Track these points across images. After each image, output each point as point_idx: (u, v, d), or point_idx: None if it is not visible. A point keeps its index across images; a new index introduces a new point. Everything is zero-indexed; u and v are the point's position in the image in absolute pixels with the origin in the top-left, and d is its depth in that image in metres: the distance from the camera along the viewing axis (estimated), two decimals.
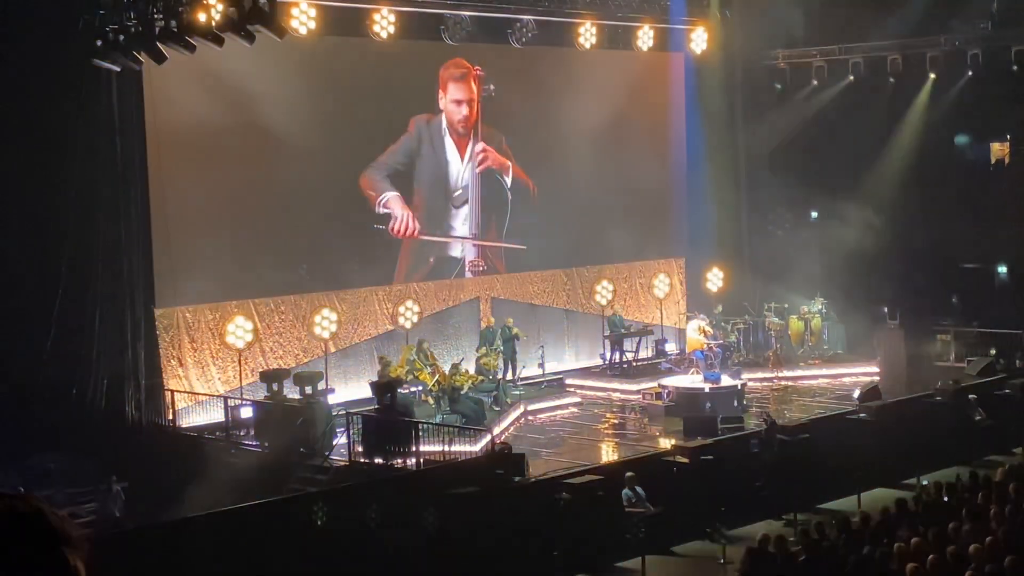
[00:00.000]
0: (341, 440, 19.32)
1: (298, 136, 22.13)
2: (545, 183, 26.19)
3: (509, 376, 23.69)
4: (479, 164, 25.44)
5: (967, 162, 29.88)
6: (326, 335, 22.57)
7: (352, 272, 23.33)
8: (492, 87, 25.30)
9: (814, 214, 29.90)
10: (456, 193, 25.29)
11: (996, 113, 27.83)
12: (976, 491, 14.74)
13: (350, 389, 22.57)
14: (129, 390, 20.35)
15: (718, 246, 28.58)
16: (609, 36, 26.21)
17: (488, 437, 18.89)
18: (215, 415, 20.80)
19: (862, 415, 20.31)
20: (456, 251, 25.43)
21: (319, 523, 14.91)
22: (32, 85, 19.32)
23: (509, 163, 25.84)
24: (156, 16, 18.57)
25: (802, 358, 26.43)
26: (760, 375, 25.25)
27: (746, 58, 28.75)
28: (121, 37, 18.99)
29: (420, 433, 18.51)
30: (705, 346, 24.34)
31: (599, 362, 26.02)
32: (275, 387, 19.91)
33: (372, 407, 19.80)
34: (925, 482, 17.48)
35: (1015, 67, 26.09)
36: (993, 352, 24.69)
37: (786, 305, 26.90)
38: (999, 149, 29.75)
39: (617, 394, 24.49)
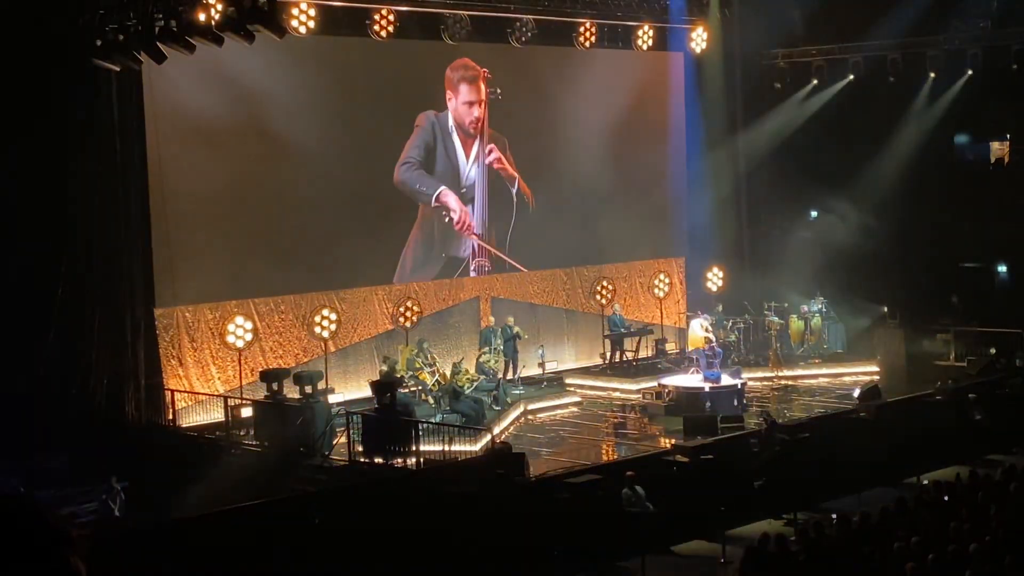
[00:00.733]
0: (341, 440, 19.32)
1: (298, 136, 22.15)
2: (544, 183, 26.19)
3: (509, 375, 23.70)
4: (490, 163, 25.45)
5: (967, 161, 29.89)
6: (326, 335, 22.58)
7: (353, 272, 23.34)
8: (499, 89, 25.33)
9: (814, 213, 29.90)
10: (462, 191, 25.31)
11: (996, 112, 27.83)
12: (976, 490, 14.75)
13: (350, 389, 22.59)
14: (129, 390, 20.36)
15: (718, 246, 28.61)
16: (609, 36, 26.20)
17: (488, 437, 18.90)
18: (215, 415, 20.81)
19: (862, 414, 20.32)
20: (461, 251, 25.43)
21: (318, 522, 14.91)
22: (32, 85, 19.32)
23: (516, 175, 25.86)
24: (156, 16, 18.56)
25: (802, 357, 26.44)
26: (760, 374, 25.26)
27: (746, 57, 28.77)
28: (121, 37, 18.98)
29: (420, 433, 18.51)
30: (706, 345, 24.32)
31: (599, 361, 26.04)
32: (275, 387, 19.90)
33: (372, 407, 19.80)
34: (925, 481, 17.51)
35: (1015, 66, 26.09)
36: (993, 351, 24.69)
37: (786, 304, 26.91)
38: (999, 148, 29.77)
39: (617, 393, 24.51)
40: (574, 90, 26.27)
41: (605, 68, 26.78)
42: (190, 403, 21.14)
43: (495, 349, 23.42)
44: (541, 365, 24.99)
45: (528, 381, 24.30)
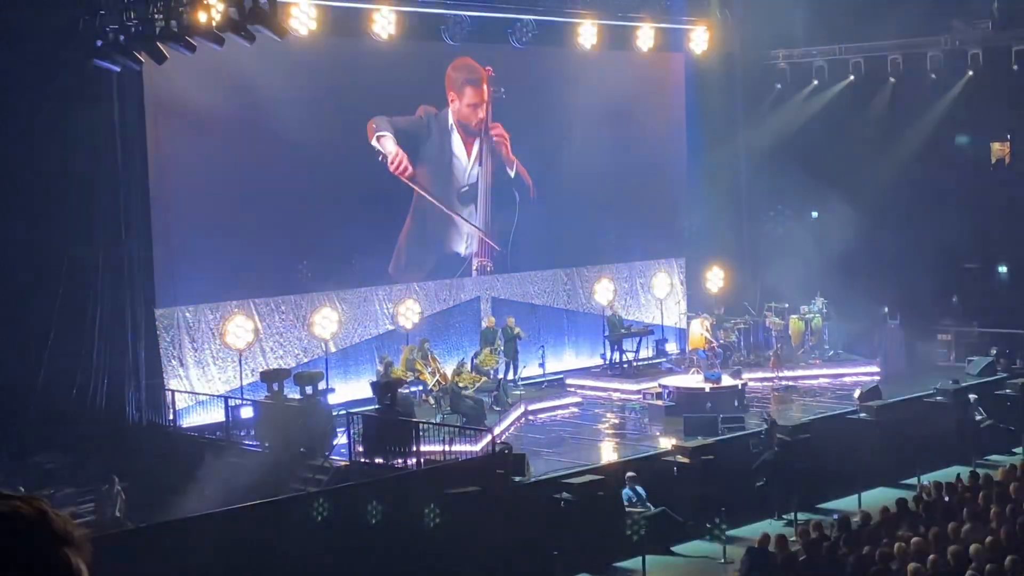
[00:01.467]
0: (341, 440, 19.31)
1: (299, 136, 22.12)
2: (545, 183, 26.17)
3: (510, 376, 23.70)
4: (492, 152, 25.40)
5: (968, 162, 29.88)
6: (326, 335, 22.57)
7: (352, 272, 23.33)
8: (503, 89, 25.32)
9: (814, 214, 29.88)
10: (463, 189, 25.28)
11: (996, 113, 27.83)
12: (977, 491, 14.75)
13: (350, 389, 22.56)
14: (130, 390, 20.35)
15: (718, 246, 28.57)
16: (609, 36, 26.20)
17: (489, 437, 18.88)
18: (215, 415, 20.80)
19: (863, 415, 20.34)
20: (461, 249, 25.41)
21: (319, 522, 14.92)
22: (33, 86, 19.32)
23: (515, 160, 25.83)
24: (156, 16, 18.56)
25: (803, 358, 26.41)
26: (761, 375, 25.23)
27: (746, 58, 28.76)
28: (122, 37, 18.99)
29: (421, 433, 18.51)
30: (706, 345, 24.33)
31: (599, 362, 26.03)
32: (275, 387, 19.90)
33: (373, 407, 19.79)
34: (925, 482, 17.49)
35: (1015, 67, 26.09)
36: (993, 352, 24.70)
37: (787, 305, 26.88)
38: (999, 149, 29.74)
39: (617, 394, 24.50)
40: (574, 91, 26.24)
41: (605, 69, 26.76)
42: (190, 403, 21.14)
43: (495, 349, 23.41)
44: (541, 366, 24.98)
45: (528, 381, 24.29)
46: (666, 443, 19.94)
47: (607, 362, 25.82)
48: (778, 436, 18.43)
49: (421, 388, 21.88)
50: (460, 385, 21.21)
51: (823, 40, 28.46)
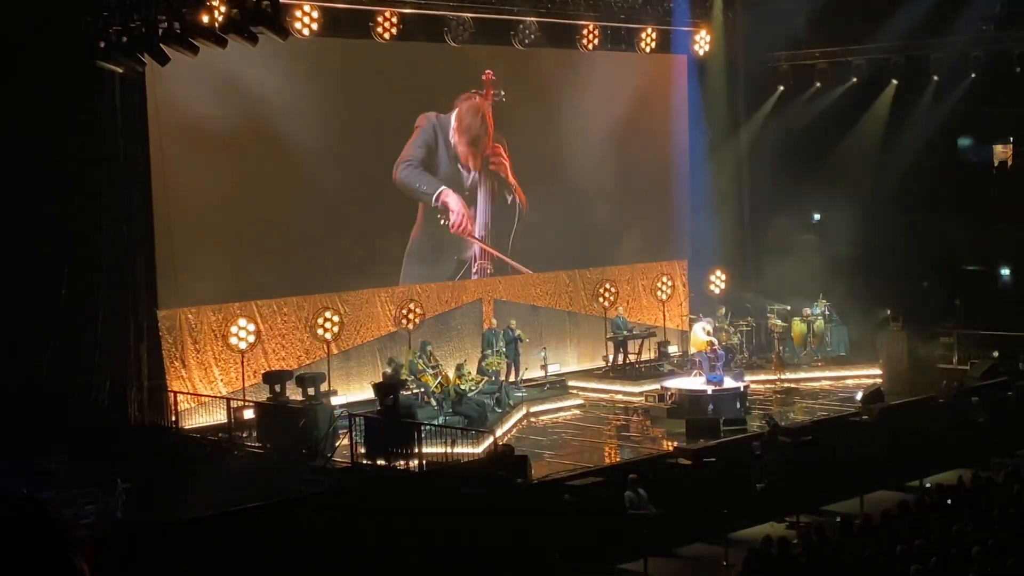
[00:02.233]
0: (343, 442, 19.31)
1: (301, 137, 22.14)
2: (547, 185, 26.13)
3: (512, 378, 23.70)
4: (491, 164, 25.44)
5: (970, 164, 29.87)
6: (328, 337, 22.58)
7: (355, 273, 23.34)
8: (502, 92, 25.32)
9: (817, 216, 29.89)
10: (465, 194, 25.30)
11: (999, 115, 27.84)
12: (979, 493, 14.74)
13: (353, 391, 22.59)
14: (132, 391, 20.36)
15: (721, 248, 28.58)
16: (612, 38, 26.22)
17: (491, 439, 18.88)
18: (218, 416, 20.80)
19: (865, 417, 20.30)
20: (464, 252, 25.41)
21: (321, 524, 14.91)
22: (35, 87, 19.33)
23: (514, 183, 25.83)
24: (159, 18, 18.57)
25: (805, 360, 26.41)
26: (763, 377, 25.25)
27: (749, 60, 28.75)
28: (124, 39, 19.00)
29: (423, 435, 18.51)
30: (708, 348, 24.31)
31: (602, 364, 26.03)
32: (277, 388, 19.91)
33: (375, 409, 19.79)
34: (928, 484, 17.48)
35: (1018, 69, 26.09)
36: (996, 354, 24.68)
37: (789, 307, 26.88)
38: (1002, 151, 29.74)
39: (620, 396, 24.49)
40: (577, 93, 26.25)
41: (608, 71, 26.77)
42: (193, 405, 21.14)
43: (497, 351, 23.41)
44: (543, 368, 24.98)
45: (530, 384, 24.29)
46: (668, 445, 19.93)
47: (609, 364, 25.83)
48: (780, 438, 18.41)
49: (423, 390, 21.87)
50: (462, 387, 21.21)
51: (825, 42, 28.46)
